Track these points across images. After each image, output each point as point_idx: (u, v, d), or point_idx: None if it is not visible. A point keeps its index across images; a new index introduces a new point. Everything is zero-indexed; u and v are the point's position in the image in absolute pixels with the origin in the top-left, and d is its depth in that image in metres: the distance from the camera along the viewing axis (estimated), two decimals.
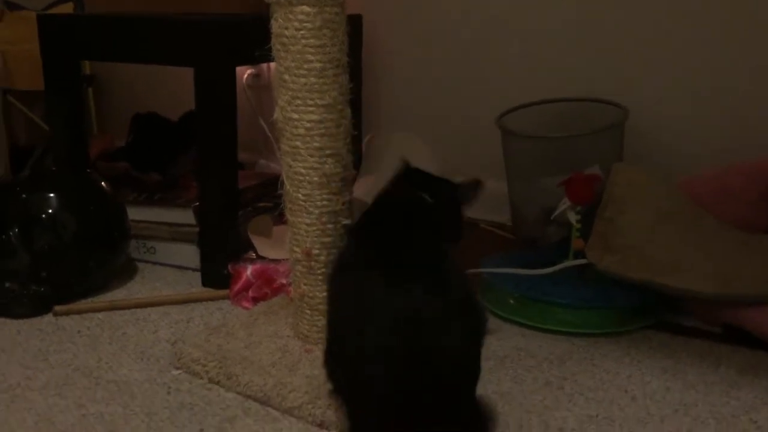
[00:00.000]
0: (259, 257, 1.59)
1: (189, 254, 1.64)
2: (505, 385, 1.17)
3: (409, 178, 1.13)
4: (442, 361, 0.92)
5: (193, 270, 1.62)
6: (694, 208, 1.45)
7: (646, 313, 1.38)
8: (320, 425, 1.06)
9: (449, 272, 0.98)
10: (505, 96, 1.76)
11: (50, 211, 1.51)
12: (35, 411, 1.12)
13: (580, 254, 1.38)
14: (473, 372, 0.98)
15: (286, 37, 1.15)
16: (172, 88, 2.09)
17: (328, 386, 1.04)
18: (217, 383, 1.18)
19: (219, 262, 1.55)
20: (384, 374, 0.92)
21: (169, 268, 1.67)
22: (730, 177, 1.51)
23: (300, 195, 1.19)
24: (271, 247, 1.63)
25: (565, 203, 1.43)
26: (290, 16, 1.13)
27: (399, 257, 0.99)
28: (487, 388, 1.13)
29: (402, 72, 2.04)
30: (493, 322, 1.38)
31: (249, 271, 1.50)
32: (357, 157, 1.57)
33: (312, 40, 1.13)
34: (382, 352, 0.92)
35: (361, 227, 1.11)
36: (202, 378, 1.20)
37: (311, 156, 1.17)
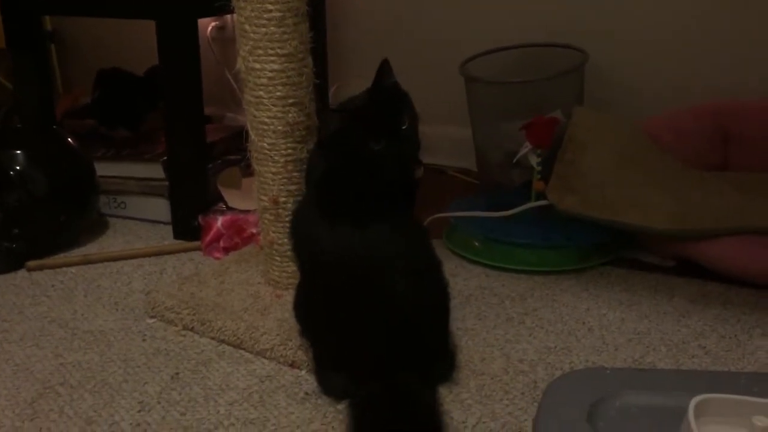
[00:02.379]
0: (229, 208, 1.61)
1: (159, 208, 1.66)
2: (469, 321, 1.22)
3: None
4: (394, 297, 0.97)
5: (164, 223, 1.64)
6: (652, 149, 1.49)
7: (604, 250, 1.43)
8: (291, 365, 1.10)
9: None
10: (469, 43, 1.78)
11: (18, 168, 1.51)
12: (13, 361, 1.14)
13: (541, 196, 1.42)
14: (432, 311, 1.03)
15: None
16: (137, 42, 2.07)
17: (297, 328, 1.08)
18: (191, 329, 1.22)
19: (189, 215, 1.57)
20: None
21: (140, 222, 1.69)
22: (686, 118, 1.56)
23: (265, 144, 1.21)
24: (240, 198, 1.66)
25: (526, 146, 1.45)
26: None
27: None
28: (452, 324, 1.17)
29: (367, 21, 2.04)
30: (459, 264, 1.44)
31: (219, 222, 1.53)
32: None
33: None
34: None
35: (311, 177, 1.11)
36: (176, 325, 1.23)
37: (274, 105, 1.18)
